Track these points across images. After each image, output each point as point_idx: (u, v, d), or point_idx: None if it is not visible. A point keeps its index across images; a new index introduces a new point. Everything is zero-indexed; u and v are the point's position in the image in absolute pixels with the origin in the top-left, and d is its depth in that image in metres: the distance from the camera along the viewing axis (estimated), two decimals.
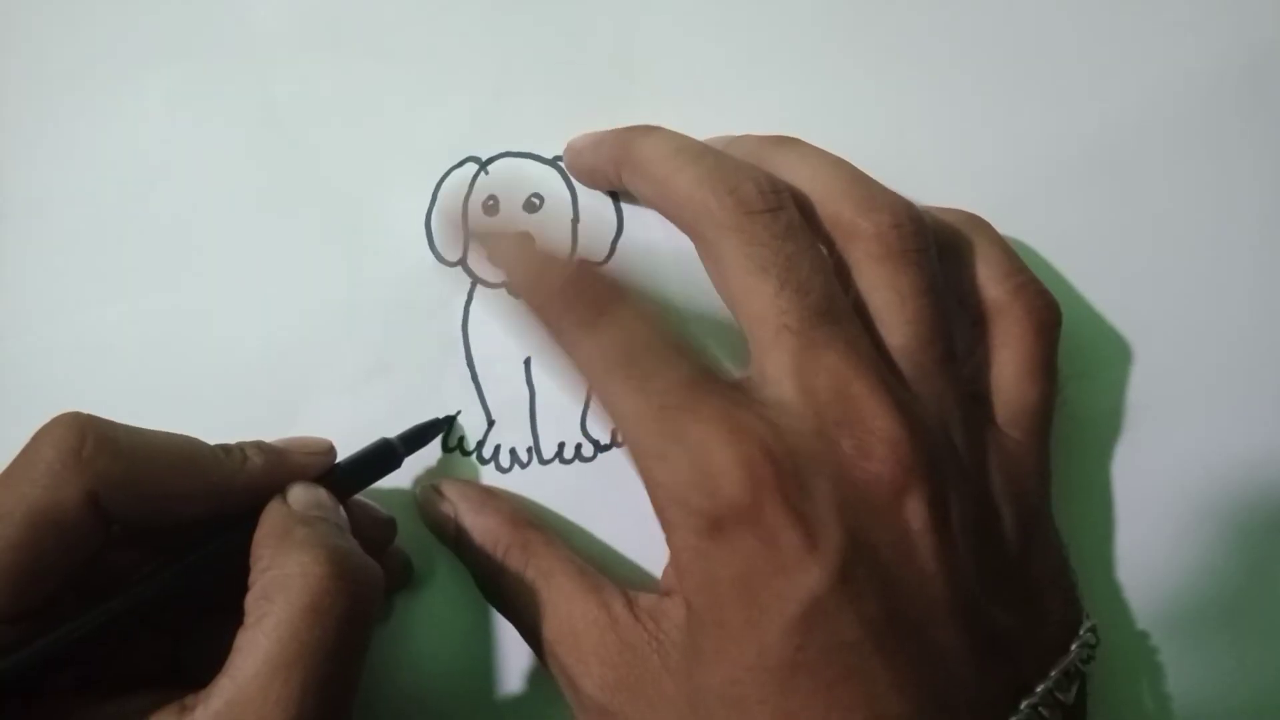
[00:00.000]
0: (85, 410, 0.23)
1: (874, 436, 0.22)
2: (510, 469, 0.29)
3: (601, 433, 0.29)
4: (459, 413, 0.29)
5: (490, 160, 0.30)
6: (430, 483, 0.28)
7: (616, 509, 0.28)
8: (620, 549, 0.29)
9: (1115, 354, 0.29)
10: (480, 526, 0.27)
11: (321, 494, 0.25)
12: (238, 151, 0.31)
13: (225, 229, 0.30)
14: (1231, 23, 0.29)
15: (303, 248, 0.30)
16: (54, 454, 0.22)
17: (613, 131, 0.28)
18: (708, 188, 0.24)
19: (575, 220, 0.29)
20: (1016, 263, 0.27)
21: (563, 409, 0.29)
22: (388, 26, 0.31)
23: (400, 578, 0.29)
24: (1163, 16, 0.29)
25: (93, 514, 0.22)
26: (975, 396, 0.26)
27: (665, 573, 0.26)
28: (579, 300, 0.23)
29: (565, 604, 0.25)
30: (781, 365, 0.23)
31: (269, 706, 0.20)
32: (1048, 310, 0.26)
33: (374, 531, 0.27)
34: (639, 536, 0.28)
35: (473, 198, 0.30)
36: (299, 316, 0.30)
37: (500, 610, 0.27)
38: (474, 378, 0.29)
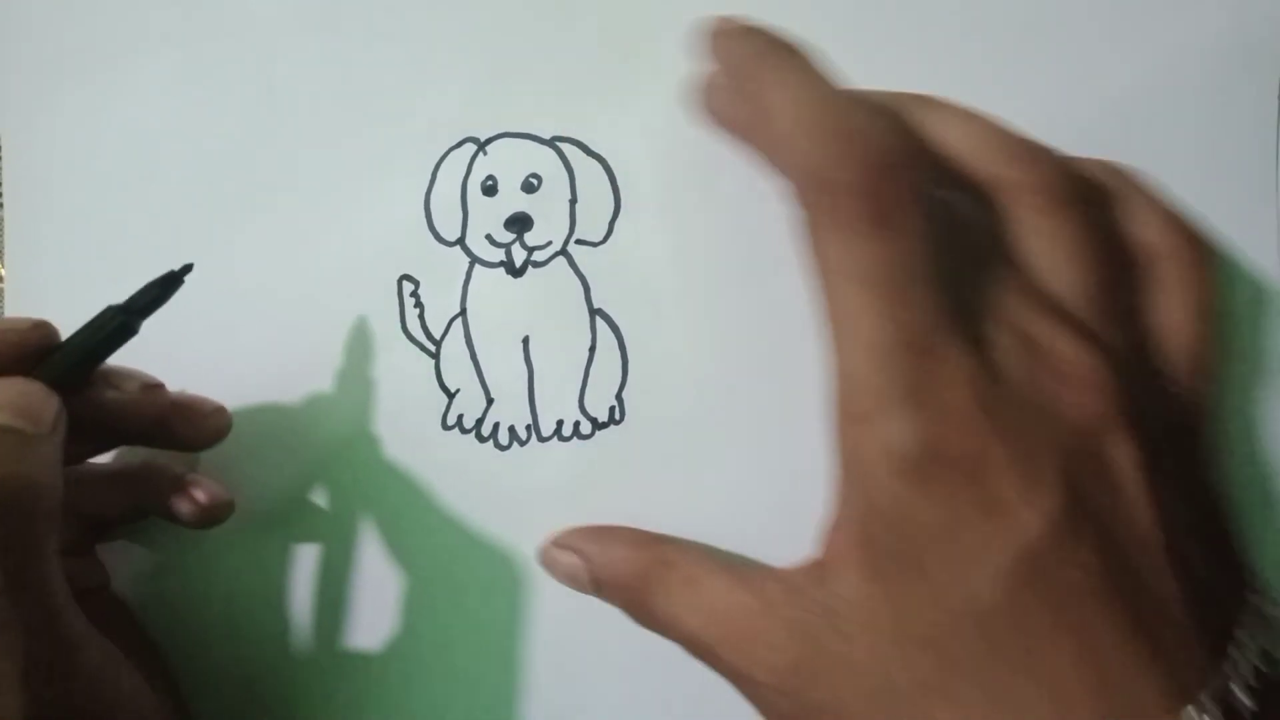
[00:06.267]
0: None
1: (1073, 370, 0.22)
2: (509, 447, 0.29)
3: (599, 410, 0.29)
4: (191, 266, 0.26)
5: (488, 141, 0.30)
6: (546, 539, 0.28)
7: (615, 486, 0.29)
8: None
9: None
10: (613, 560, 0.26)
11: (31, 388, 0.24)
12: (237, 134, 0.31)
13: (225, 211, 0.31)
14: None
15: (302, 229, 0.30)
16: None
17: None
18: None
19: (573, 201, 0.30)
20: (1171, 207, 0.26)
21: (561, 387, 0.29)
22: (384, 9, 0.31)
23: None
24: None
25: None
26: (1143, 346, 0.25)
27: (826, 531, 0.24)
28: (874, 195, 0.21)
29: (719, 604, 0.24)
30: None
31: None
32: (1209, 253, 0.25)
33: (141, 397, 0.27)
34: (637, 514, 0.28)
35: (471, 178, 0.30)
36: (299, 297, 0.30)
37: (660, 632, 0.25)
38: (472, 356, 0.29)
